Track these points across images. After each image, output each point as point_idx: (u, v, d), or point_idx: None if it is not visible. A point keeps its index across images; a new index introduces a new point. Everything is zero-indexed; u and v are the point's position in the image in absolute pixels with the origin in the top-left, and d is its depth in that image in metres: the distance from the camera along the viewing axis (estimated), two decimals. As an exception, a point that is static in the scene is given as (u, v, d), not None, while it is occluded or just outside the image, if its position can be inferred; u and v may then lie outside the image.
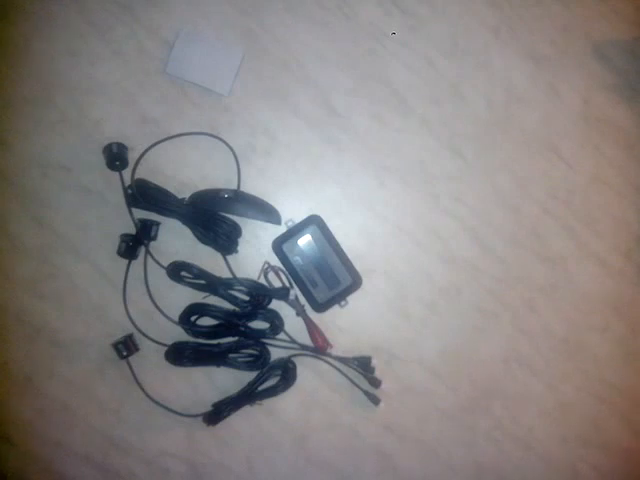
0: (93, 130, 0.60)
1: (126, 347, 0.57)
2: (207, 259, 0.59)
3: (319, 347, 0.59)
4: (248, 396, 0.58)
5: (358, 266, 0.60)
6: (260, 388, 0.58)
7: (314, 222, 0.60)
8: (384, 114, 0.64)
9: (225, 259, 0.59)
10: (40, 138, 0.59)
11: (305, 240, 0.59)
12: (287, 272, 0.60)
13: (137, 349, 0.58)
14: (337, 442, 0.60)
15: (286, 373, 0.58)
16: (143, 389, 0.58)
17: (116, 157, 0.57)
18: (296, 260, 0.59)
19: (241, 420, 0.60)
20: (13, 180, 0.59)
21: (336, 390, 0.61)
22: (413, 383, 0.62)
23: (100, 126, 0.60)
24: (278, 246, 0.59)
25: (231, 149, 0.61)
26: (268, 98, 0.62)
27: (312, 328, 0.60)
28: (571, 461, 0.66)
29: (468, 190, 0.65)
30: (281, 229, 0.60)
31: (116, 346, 0.57)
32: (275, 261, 0.60)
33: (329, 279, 0.59)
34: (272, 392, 0.58)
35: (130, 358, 0.58)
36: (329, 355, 0.60)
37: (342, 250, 0.60)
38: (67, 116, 0.60)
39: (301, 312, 0.59)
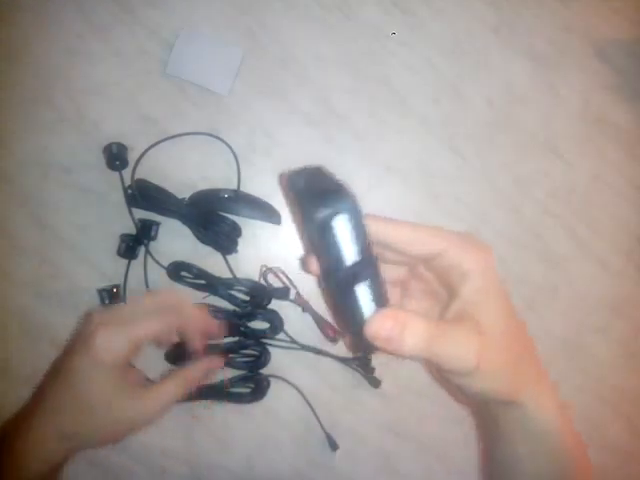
0: (93, 130, 0.60)
1: (109, 296, 0.57)
2: (207, 259, 0.59)
3: (331, 338, 0.59)
4: (216, 393, 0.58)
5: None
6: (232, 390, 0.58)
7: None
8: (384, 114, 0.64)
9: (225, 259, 0.59)
10: (40, 138, 0.59)
11: None
12: None
13: (121, 301, 0.58)
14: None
15: (258, 387, 0.58)
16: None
17: (116, 157, 0.57)
18: None
19: (241, 420, 0.60)
20: (13, 180, 0.59)
21: (336, 390, 0.61)
22: (413, 383, 0.62)
23: (100, 126, 0.60)
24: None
25: (231, 149, 0.61)
26: (268, 98, 0.62)
27: (321, 321, 0.59)
28: (571, 461, 0.65)
29: (468, 190, 0.65)
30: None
31: (100, 292, 0.57)
32: (274, 262, 0.60)
33: None
34: (238, 399, 0.58)
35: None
36: (329, 354, 0.60)
37: None
38: (66, 116, 0.60)
39: (307, 307, 0.59)
